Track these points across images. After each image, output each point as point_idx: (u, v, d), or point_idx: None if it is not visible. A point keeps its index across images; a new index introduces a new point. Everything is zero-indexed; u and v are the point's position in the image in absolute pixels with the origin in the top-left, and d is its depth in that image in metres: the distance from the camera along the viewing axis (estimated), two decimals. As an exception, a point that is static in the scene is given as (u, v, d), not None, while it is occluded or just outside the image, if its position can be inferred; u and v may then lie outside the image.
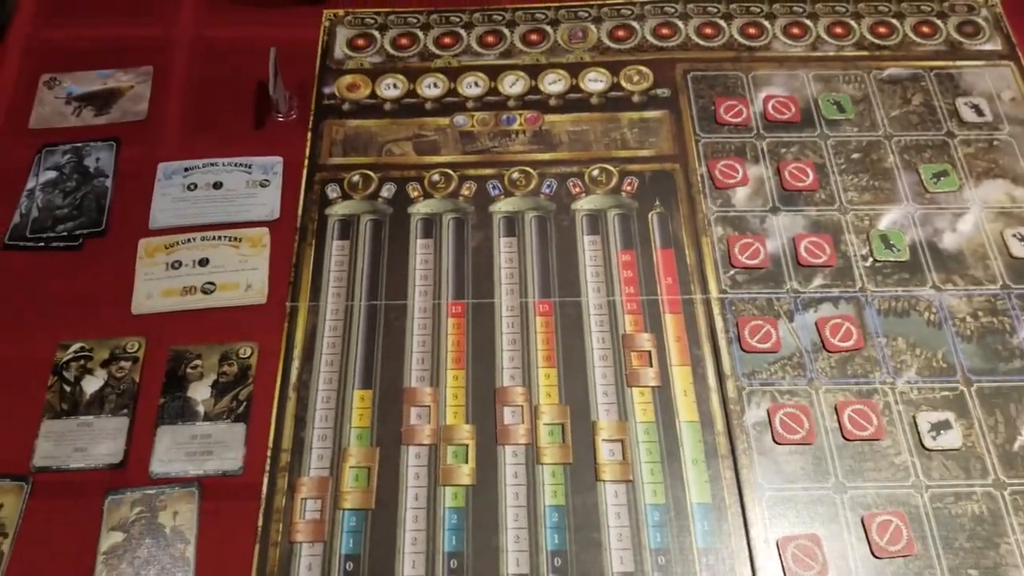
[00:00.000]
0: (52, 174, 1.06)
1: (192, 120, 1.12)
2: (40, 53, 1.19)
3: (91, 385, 0.91)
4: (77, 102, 1.12)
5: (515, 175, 1.04)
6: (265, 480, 0.85)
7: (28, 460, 0.86)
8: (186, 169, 1.06)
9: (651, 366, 0.89)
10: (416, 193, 1.04)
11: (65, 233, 1.01)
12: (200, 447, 0.87)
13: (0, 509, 0.83)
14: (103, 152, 1.08)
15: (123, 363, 0.92)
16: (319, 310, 0.95)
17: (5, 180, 1.06)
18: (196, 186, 1.05)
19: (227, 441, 0.88)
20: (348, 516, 0.83)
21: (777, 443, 0.84)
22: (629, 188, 1.02)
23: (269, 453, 0.87)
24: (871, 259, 0.96)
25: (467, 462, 0.85)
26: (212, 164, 1.06)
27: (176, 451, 0.87)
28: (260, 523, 0.83)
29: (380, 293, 0.97)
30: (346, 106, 1.12)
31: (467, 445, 0.86)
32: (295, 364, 0.92)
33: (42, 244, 1.00)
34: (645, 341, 0.91)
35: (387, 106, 1.11)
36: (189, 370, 0.92)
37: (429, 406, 0.88)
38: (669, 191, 1.02)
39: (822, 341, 0.90)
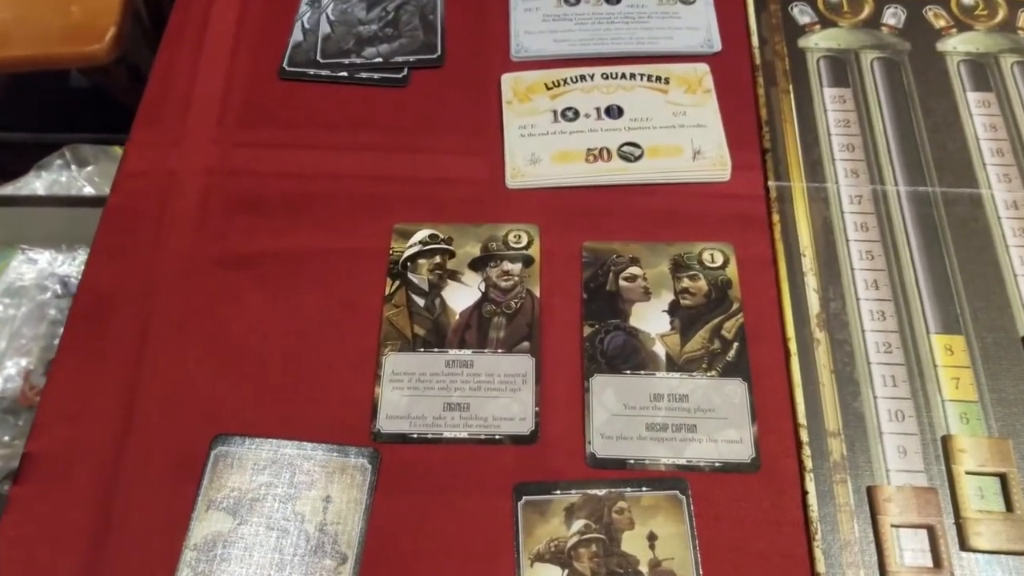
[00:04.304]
0: (345, -25, 0.71)
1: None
2: None
3: (460, 298, 0.55)
4: None
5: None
6: (810, 485, 0.48)
7: (368, 422, 0.51)
8: (557, -26, 0.69)
9: None
10: (943, 23, 0.66)
11: (379, 60, 0.65)
12: (669, 416, 0.51)
13: (328, 507, 0.48)
14: (420, -53, 0.72)
15: (508, 265, 0.56)
16: (827, 197, 0.58)
17: (271, -16, 0.71)
18: (578, -1, 0.68)
19: (717, 408, 0.51)
20: (986, 565, 0.46)
21: None
22: None
23: (804, 435, 0.50)
24: None
25: None
26: (598, -32, 0.69)
27: (627, 423, 0.51)
28: (821, 566, 0.46)
29: (928, 175, 0.59)
30: None
31: None
32: (810, 283, 0.55)
33: (344, 75, 0.65)
34: None
35: None
36: (623, 282, 0.56)
37: (1093, 369, 0.50)
38: None
39: None
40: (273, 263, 0.57)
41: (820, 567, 0.46)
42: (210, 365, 0.53)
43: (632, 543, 0.47)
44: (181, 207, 0.60)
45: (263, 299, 0.56)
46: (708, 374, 0.52)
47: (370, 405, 0.51)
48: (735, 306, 0.54)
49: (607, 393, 0.52)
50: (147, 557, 0.47)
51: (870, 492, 0.48)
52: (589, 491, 0.48)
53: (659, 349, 0.53)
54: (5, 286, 0.95)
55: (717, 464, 0.49)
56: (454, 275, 0.56)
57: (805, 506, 0.48)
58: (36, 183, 1.13)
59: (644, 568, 0.46)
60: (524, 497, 0.48)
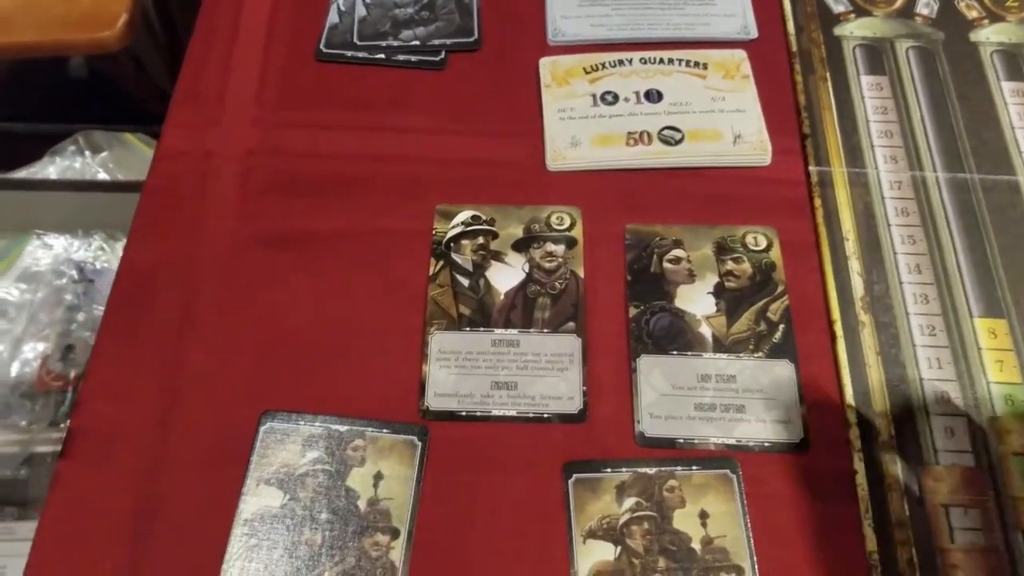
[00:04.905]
0: (380, -41, 0.71)
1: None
2: None
3: (504, 278, 0.56)
4: None
5: None
6: (859, 464, 0.48)
7: (416, 400, 0.51)
8: (593, -40, 0.70)
9: None
10: (976, 14, 0.67)
11: (416, 44, 0.66)
12: (718, 397, 0.51)
13: (379, 483, 0.48)
14: (454, -68, 0.72)
15: (551, 246, 0.57)
16: (868, 182, 0.59)
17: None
18: (614, -15, 0.68)
19: (764, 388, 0.51)
20: (1039, 545, 0.46)
21: None
22: None
23: (851, 416, 0.50)
24: None
25: None
26: (634, -46, 0.70)
27: (675, 403, 0.51)
28: (872, 544, 0.46)
29: (965, 162, 0.59)
30: None
31: None
32: (854, 266, 0.55)
33: (382, 57, 0.65)
34: None
35: None
36: (668, 264, 0.56)
37: None
38: None
39: None
40: (314, 244, 0.57)
41: (871, 545, 0.46)
42: (254, 346, 0.53)
43: (684, 521, 0.47)
44: (220, 188, 0.60)
45: (305, 280, 0.56)
46: (755, 355, 0.52)
47: (417, 383, 0.52)
48: (780, 288, 0.55)
49: (655, 373, 0.52)
50: (196, 532, 0.47)
51: (919, 472, 0.48)
52: (639, 469, 0.49)
53: (705, 330, 0.53)
54: (20, 271, 0.95)
55: (766, 444, 0.50)
56: (498, 256, 0.56)
57: (854, 485, 0.48)
58: (50, 169, 1.12)
59: (696, 545, 0.46)
60: (575, 475, 0.49)
